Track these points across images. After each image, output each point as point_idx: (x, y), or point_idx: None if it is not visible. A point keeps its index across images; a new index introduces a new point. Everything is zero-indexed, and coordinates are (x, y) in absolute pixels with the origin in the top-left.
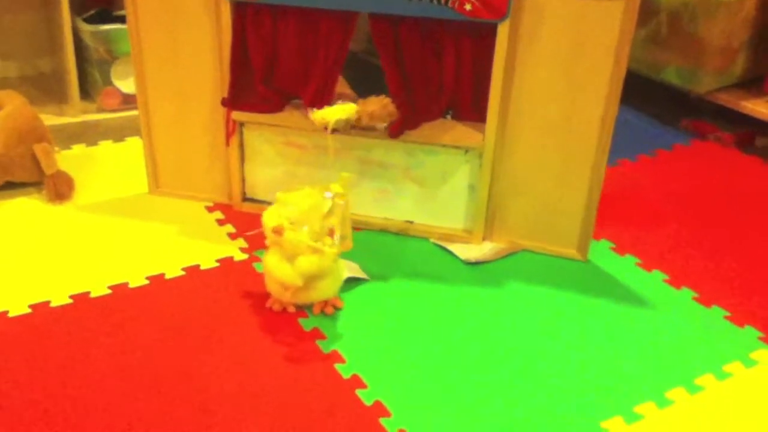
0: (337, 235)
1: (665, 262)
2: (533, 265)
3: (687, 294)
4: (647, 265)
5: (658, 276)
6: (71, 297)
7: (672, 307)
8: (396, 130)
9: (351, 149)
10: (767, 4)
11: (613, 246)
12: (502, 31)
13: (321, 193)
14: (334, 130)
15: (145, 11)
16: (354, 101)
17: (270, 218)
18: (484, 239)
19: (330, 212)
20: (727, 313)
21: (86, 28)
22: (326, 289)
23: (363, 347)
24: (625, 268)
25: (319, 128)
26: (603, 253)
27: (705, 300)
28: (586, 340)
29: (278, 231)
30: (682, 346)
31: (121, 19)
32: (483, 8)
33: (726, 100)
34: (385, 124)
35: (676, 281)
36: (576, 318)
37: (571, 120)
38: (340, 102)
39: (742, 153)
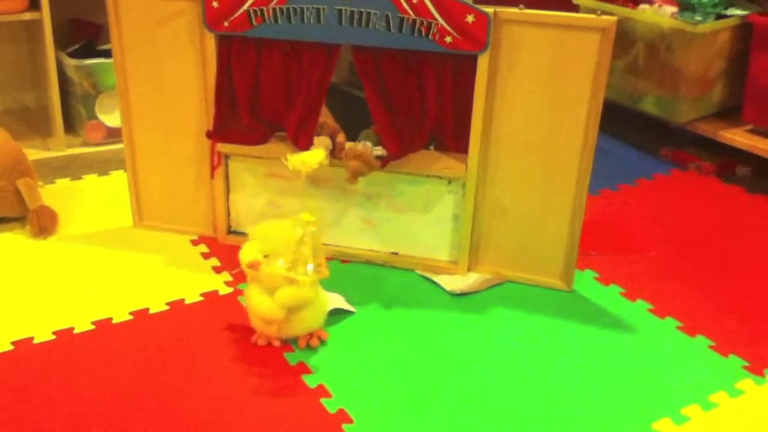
0: (310, 264)
1: (649, 291)
2: (519, 295)
3: (671, 323)
4: (631, 295)
5: (642, 306)
6: (54, 333)
7: (657, 336)
8: (385, 160)
9: (335, 179)
10: (741, 35)
11: (597, 276)
12: (482, 62)
13: (290, 224)
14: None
15: (130, 45)
16: (336, 132)
17: (246, 254)
18: (469, 270)
19: (302, 242)
20: (712, 343)
21: (70, 62)
22: (309, 321)
23: (349, 381)
24: (609, 297)
25: (298, 170)
26: (587, 283)
27: (689, 329)
28: (572, 371)
29: (254, 266)
30: (667, 377)
31: (105, 53)
32: (463, 40)
33: (705, 129)
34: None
35: (660, 311)
36: (561, 349)
37: (552, 148)
38: (316, 137)
39: (723, 182)
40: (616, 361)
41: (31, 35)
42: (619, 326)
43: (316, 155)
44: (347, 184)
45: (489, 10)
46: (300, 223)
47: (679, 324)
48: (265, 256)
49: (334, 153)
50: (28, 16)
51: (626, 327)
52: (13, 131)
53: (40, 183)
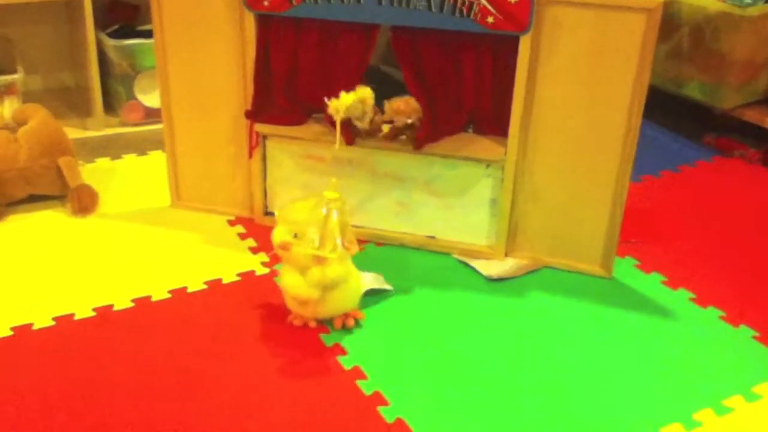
0: (337, 240)
1: (691, 280)
2: (557, 281)
3: (714, 313)
4: (673, 283)
5: (684, 294)
6: (95, 310)
7: (699, 326)
8: (420, 142)
9: (369, 161)
10: None
11: (638, 263)
12: (524, 43)
13: (315, 202)
14: (354, 129)
15: (170, 25)
16: (373, 111)
17: (277, 235)
18: (506, 255)
19: (327, 219)
20: (756, 333)
21: (110, 42)
22: (344, 301)
23: (385, 363)
24: (650, 286)
25: (334, 116)
26: (628, 271)
27: (732, 319)
28: (611, 359)
29: (285, 246)
30: (709, 367)
31: (144, 34)
32: (505, 21)
33: (751, 116)
34: (409, 120)
35: (702, 300)
36: (601, 337)
37: (594, 133)
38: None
39: None
40: (656, 350)
41: (71, 16)
42: (660, 315)
43: (358, 91)
44: (381, 166)
45: None
46: (324, 200)
47: (721, 314)
48: (295, 236)
49: (371, 129)
50: None
51: (667, 316)
52: (52, 110)
53: (80, 162)
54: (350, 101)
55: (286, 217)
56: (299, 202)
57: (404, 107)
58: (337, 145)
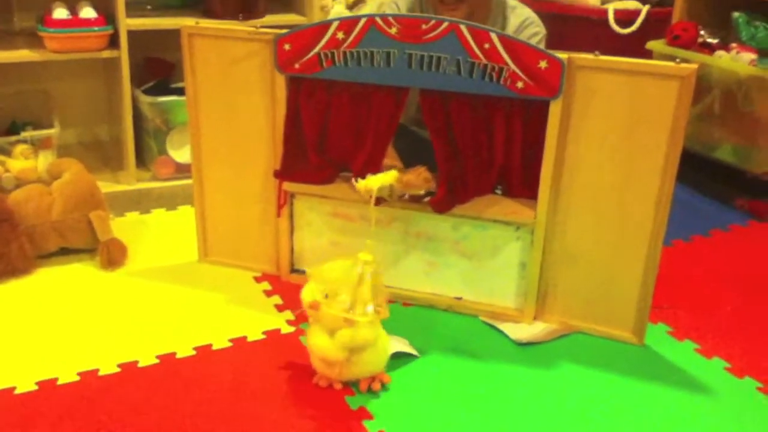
0: (370, 304)
1: (726, 349)
2: (587, 347)
3: (750, 384)
4: (707, 352)
5: (718, 364)
6: (119, 366)
7: (735, 398)
8: (438, 204)
9: (399, 221)
10: None
11: (671, 330)
12: (555, 108)
13: (350, 264)
14: (379, 199)
15: (203, 83)
16: (400, 172)
17: (307, 294)
18: (535, 319)
19: (360, 282)
20: None
21: (145, 99)
22: (371, 363)
23: (411, 429)
24: (684, 354)
25: (364, 198)
26: (660, 338)
27: None
28: (643, 431)
29: (314, 306)
30: None
31: (178, 91)
32: (535, 86)
33: None
34: (422, 191)
35: (738, 370)
36: (632, 406)
37: (626, 197)
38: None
39: None
40: (691, 422)
41: (108, 72)
42: (693, 386)
43: (386, 175)
44: (411, 225)
45: (563, 56)
46: (358, 262)
47: (758, 384)
48: (326, 297)
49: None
50: (107, 53)
51: (701, 387)
52: (86, 163)
53: (111, 215)
54: (385, 183)
55: (319, 276)
56: (333, 262)
57: (414, 180)
58: (372, 228)
